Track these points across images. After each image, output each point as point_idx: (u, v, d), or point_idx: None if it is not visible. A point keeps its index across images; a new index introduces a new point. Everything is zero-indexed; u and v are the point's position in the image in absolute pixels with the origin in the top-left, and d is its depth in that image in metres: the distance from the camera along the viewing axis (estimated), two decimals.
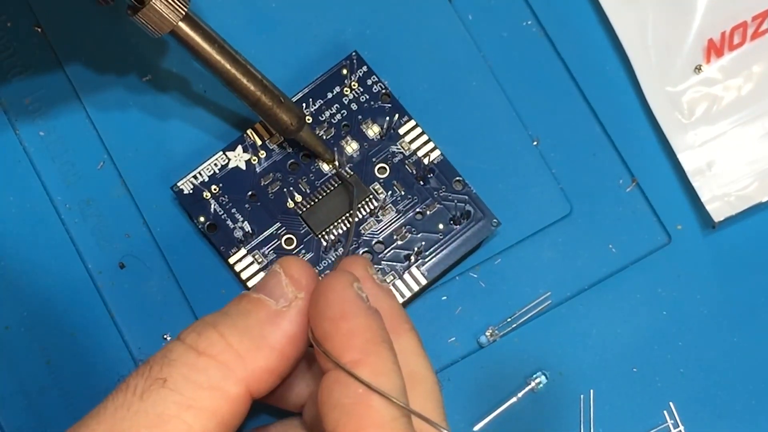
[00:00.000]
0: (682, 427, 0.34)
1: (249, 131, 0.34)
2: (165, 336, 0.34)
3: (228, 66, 0.32)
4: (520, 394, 0.33)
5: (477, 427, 0.33)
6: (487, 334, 0.34)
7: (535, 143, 0.36)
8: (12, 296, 0.34)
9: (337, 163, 0.34)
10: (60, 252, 0.34)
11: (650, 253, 0.35)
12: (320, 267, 0.33)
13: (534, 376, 0.34)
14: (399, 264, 0.34)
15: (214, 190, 0.34)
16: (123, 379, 0.23)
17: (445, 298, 0.34)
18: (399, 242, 0.34)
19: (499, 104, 0.36)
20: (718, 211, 0.35)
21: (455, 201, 0.34)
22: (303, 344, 0.25)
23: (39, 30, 0.36)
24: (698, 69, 0.36)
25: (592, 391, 0.34)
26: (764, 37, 0.36)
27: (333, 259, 0.33)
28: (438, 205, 0.34)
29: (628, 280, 0.35)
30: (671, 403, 0.34)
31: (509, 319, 0.34)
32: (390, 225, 0.34)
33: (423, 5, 0.37)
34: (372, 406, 0.22)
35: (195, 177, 0.34)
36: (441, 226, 0.34)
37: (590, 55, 0.37)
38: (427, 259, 0.34)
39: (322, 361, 0.24)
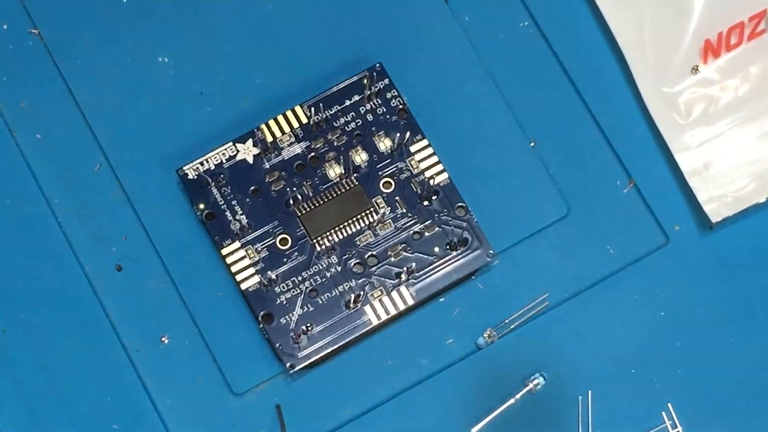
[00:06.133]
0: (680, 428, 0.33)
1: (263, 126, 0.34)
2: (162, 338, 0.34)
3: None
4: (518, 396, 0.33)
5: (475, 429, 0.33)
6: (485, 335, 0.34)
7: (532, 144, 0.36)
8: (9, 299, 0.34)
9: None
10: (57, 254, 0.34)
11: (648, 254, 0.35)
12: (310, 271, 0.33)
13: (532, 377, 0.33)
14: (389, 281, 0.33)
15: (218, 179, 0.34)
16: None
17: (442, 299, 0.34)
18: (392, 259, 0.34)
19: (495, 105, 0.36)
20: (715, 212, 0.35)
21: (454, 227, 0.34)
22: None
23: (35, 32, 0.36)
24: (695, 69, 0.36)
25: (590, 392, 0.34)
26: (761, 37, 0.36)
27: (324, 265, 0.33)
28: (437, 228, 0.34)
29: (626, 281, 0.35)
30: (669, 404, 0.34)
31: (507, 321, 0.34)
32: (386, 240, 0.34)
33: (421, 6, 0.37)
34: None
35: (201, 164, 0.34)
36: (437, 249, 0.34)
37: (587, 56, 0.37)
38: (417, 280, 0.33)
39: None
